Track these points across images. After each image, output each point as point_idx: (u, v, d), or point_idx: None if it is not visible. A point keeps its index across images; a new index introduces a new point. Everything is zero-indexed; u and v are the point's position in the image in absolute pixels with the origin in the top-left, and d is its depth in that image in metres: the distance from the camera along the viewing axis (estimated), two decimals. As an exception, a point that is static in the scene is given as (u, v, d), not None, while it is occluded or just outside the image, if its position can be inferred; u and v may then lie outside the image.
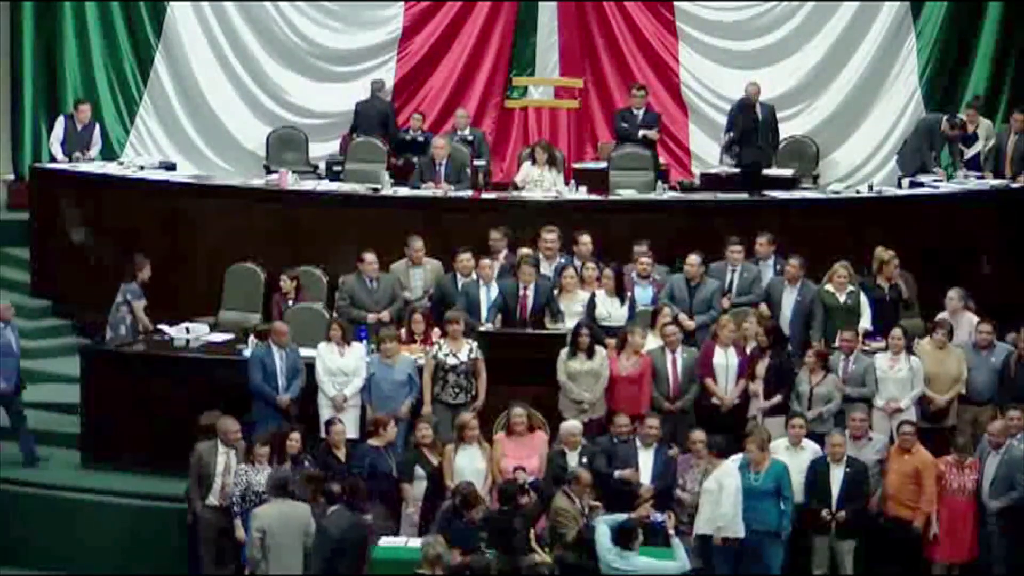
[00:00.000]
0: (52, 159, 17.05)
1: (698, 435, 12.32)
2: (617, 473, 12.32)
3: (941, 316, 13.64)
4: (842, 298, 13.86)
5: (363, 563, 11.28)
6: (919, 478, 12.31)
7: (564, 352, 13.14)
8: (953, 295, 13.80)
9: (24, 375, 14.22)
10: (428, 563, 10.74)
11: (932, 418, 13.09)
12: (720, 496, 11.95)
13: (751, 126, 16.83)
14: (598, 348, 13.14)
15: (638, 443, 12.42)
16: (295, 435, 12.30)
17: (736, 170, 16.67)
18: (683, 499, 12.23)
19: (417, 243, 14.51)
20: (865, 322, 13.79)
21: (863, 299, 13.87)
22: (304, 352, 13.38)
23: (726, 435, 12.41)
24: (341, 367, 13.19)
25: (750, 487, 12.01)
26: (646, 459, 12.38)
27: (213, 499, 12.31)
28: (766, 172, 16.65)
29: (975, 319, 13.64)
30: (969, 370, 13.17)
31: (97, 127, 17.18)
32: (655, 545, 11.50)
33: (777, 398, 12.94)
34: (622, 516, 11.44)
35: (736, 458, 12.21)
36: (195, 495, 12.42)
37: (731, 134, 16.98)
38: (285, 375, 13.16)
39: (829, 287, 13.94)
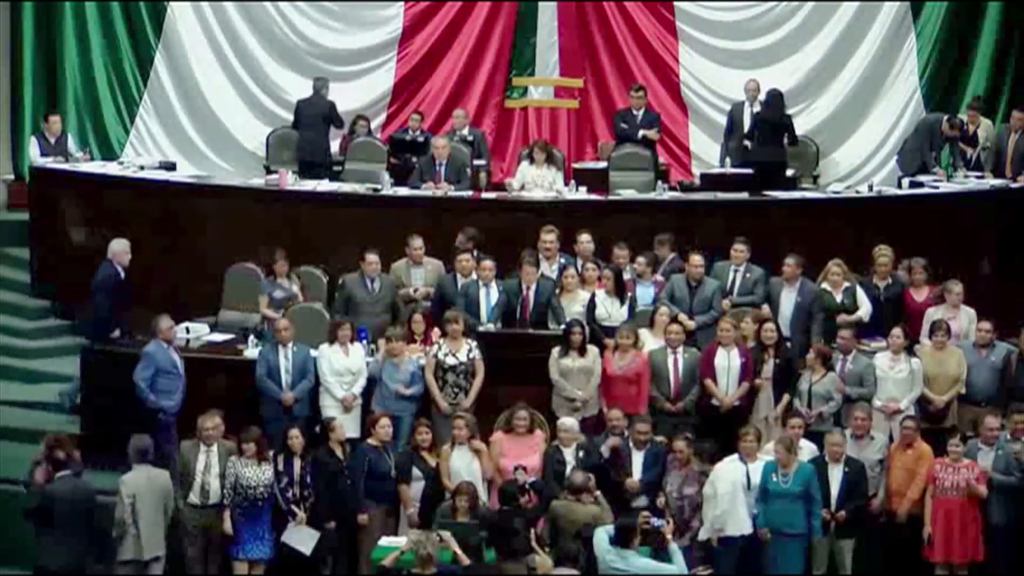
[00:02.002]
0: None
1: (679, 444, 12.26)
2: (612, 474, 12.28)
3: (935, 315, 13.55)
4: (839, 297, 13.84)
5: (89, 527, 11.69)
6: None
7: (556, 350, 13.13)
8: (956, 287, 13.73)
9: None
10: (420, 562, 10.75)
11: (932, 419, 13.07)
12: (715, 499, 11.96)
13: (774, 123, 16.62)
14: (590, 346, 13.13)
15: (630, 443, 12.42)
16: (294, 431, 12.32)
17: (748, 170, 16.35)
18: (659, 504, 12.15)
19: (417, 242, 14.49)
20: (863, 313, 13.77)
21: (860, 295, 13.85)
22: (305, 352, 13.37)
23: (715, 440, 12.39)
24: (348, 367, 13.18)
25: (778, 490, 11.99)
26: (637, 457, 12.36)
27: (194, 497, 12.28)
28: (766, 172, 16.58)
29: (974, 312, 13.62)
30: (969, 370, 13.14)
31: (69, 138, 17.00)
32: (651, 547, 11.48)
33: (785, 399, 12.94)
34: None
35: (731, 459, 12.19)
36: (176, 493, 12.41)
37: (745, 132, 16.83)
38: (290, 373, 13.15)
39: (825, 286, 13.93)
